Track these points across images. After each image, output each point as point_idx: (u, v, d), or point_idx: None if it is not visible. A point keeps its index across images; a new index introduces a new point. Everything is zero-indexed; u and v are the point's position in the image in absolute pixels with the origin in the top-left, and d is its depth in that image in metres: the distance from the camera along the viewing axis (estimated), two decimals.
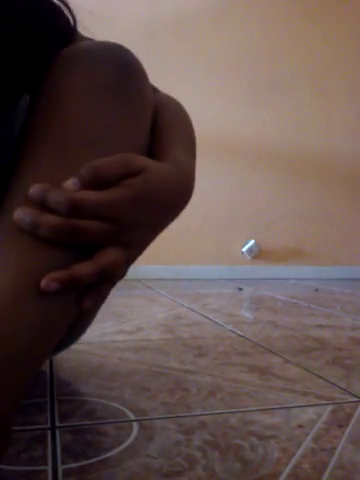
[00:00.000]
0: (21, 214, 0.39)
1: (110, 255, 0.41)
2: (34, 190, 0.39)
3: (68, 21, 0.55)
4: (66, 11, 0.55)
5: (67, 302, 0.41)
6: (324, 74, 2.44)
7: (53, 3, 0.53)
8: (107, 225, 0.40)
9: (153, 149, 0.50)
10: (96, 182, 0.40)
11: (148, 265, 2.16)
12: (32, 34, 0.49)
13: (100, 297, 0.44)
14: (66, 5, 0.54)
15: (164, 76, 2.18)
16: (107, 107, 0.46)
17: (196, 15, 2.25)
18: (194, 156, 0.55)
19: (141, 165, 0.42)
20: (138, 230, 0.43)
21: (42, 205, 0.39)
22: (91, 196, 0.39)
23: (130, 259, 0.45)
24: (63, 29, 0.54)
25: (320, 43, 2.43)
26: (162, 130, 0.52)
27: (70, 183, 0.40)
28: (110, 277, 0.43)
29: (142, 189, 0.41)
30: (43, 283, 0.37)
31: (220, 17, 2.29)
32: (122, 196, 0.40)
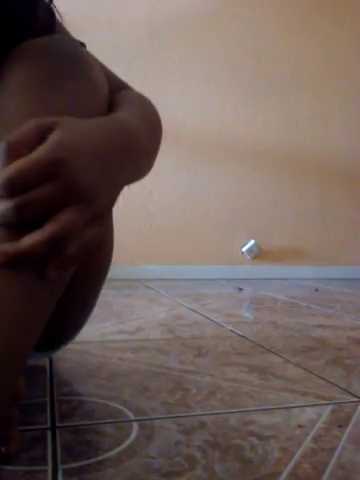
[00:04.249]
0: None
1: (62, 217, 0.38)
2: None
3: (48, 15, 0.55)
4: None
5: (31, 276, 0.39)
6: (323, 74, 2.44)
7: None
8: (50, 184, 0.38)
9: None
10: (14, 150, 0.38)
11: (148, 265, 2.16)
12: (17, 31, 0.50)
13: (68, 265, 0.41)
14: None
15: (164, 76, 2.19)
16: (51, 97, 0.45)
17: (196, 15, 2.25)
18: (150, 130, 0.53)
19: (54, 120, 0.40)
20: (86, 180, 0.40)
21: None
22: (21, 162, 0.37)
23: (96, 216, 0.42)
24: (44, 24, 0.54)
25: (319, 43, 2.43)
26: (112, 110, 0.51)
27: None
28: (76, 241, 0.40)
29: (65, 132, 0.39)
30: None
31: (220, 17, 2.29)
32: (48, 146, 0.38)
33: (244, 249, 2.33)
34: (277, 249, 2.40)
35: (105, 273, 0.65)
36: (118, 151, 0.44)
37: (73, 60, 0.48)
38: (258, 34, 2.34)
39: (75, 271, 0.46)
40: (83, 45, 0.59)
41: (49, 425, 0.54)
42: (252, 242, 2.33)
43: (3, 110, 0.45)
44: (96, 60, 0.57)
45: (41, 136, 0.39)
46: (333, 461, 0.47)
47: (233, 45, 2.31)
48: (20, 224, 0.38)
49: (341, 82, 2.46)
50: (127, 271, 2.07)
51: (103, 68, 0.60)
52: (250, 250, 2.33)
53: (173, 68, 2.22)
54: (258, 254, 2.35)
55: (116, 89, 0.58)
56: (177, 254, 2.25)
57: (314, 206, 2.45)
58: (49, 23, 0.56)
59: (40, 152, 0.38)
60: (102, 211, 0.42)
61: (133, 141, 0.47)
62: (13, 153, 0.38)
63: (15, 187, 0.37)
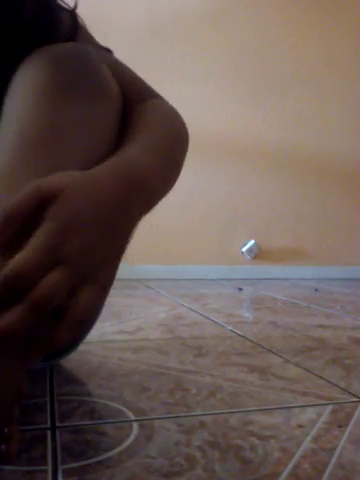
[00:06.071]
0: None
1: (46, 284, 0.34)
2: None
3: (72, 21, 0.55)
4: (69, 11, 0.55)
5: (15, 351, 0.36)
6: (323, 74, 2.44)
7: (59, 5, 0.53)
8: (58, 272, 0.35)
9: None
10: (12, 225, 0.36)
11: (148, 265, 2.16)
12: (35, 40, 0.50)
13: (58, 343, 0.36)
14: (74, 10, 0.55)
15: (164, 76, 2.19)
16: (62, 107, 0.45)
17: (195, 15, 2.25)
18: (167, 158, 0.51)
19: (55, 187, 0.37)
20: (91, 259, 0.37)
21: None
22: (22, 257, 0.34)
23: (101, 287, 0.39)
24: (65, 31, 0.55)
25: (319, 43, 2.44)
26: (128, 131, 0.50)
27: None
28: (76, 312, 0.36)
29: (67, 206, 0.36)
30: None
31: (219, 17, 2.29)
32: (49, 230, 0.35)
33: (244, 249, 2.33)
34: (277, 249, 2.40)
35: (111, 283, 0.65)
36: (126, 205, 0.41)
37: (85, 71, 0.47)
38: (258, 34, 2.34)
39: None
40: (109, 51, 0.58)
41: (49, 425, 0.54)
42: (252, 242, 2.33)
43: (18, 118, 0.44)
44: (126, 67, 0.56)
45: (41, 206, 0.36)
46: (333, 461, 0.47)
47: (233, 45, 2.31)
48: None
49: (341, 82, 2.46)
50: (127, 271, 2.07)
51: (133, 75, 0.58)
52: (250, 250, 2.33)
53: (173, 68, 2.22)
54: (258, 254, 2.35)
55: (142, 98, 0.56)
56: (177, 254, 2.25)
57: (314, 206, 2.45)
58: (72, 29, 0.55)
59: (40, 239, 0.35)
60: (107, 282, 0.40)
61: (144, 185, 0.44)
62: (10, 227, 0.35)
63: (22, 285, 0.34)
